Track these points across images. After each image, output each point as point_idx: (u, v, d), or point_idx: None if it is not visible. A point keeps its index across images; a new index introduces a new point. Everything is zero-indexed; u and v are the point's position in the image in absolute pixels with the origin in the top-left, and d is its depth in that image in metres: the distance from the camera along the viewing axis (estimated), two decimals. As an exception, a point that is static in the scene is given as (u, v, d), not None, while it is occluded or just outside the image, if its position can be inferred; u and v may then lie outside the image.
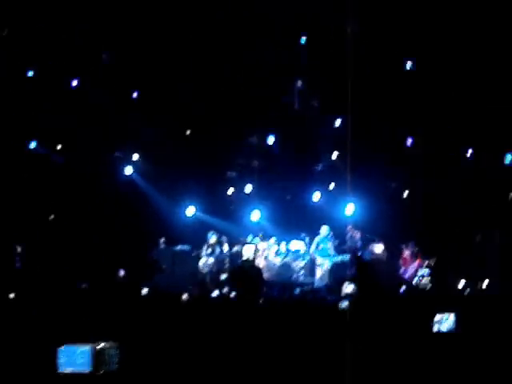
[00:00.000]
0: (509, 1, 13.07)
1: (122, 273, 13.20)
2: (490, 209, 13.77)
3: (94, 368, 5.33)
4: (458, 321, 7.11)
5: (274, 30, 14.01)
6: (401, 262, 14.11)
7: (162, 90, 15.59)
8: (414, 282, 12.98)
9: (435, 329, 7.07)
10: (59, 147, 15.99)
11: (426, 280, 10.26)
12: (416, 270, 13.46)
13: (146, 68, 15.33)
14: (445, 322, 7.03)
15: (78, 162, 15.60)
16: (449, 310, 7.26)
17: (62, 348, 5.36)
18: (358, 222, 15.20)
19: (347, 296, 9.33)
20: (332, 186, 16.54)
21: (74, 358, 5.31)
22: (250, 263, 13.47)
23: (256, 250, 14.01)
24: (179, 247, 15.14)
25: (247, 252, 13.86)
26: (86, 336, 5.82)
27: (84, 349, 5.37)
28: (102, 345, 5.42)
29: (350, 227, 14.80)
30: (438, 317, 7.10)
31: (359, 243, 14.49)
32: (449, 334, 6.92)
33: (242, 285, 11.11)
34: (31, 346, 6.36)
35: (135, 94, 15.81)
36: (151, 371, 6.08)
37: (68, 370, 5.35)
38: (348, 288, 10.13)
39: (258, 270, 13.15)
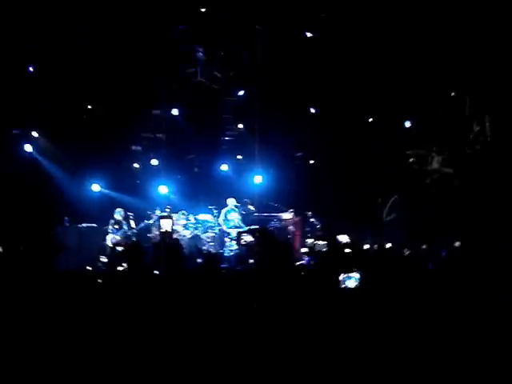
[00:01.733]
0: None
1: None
2: (389, 173, 14.16)
3: None
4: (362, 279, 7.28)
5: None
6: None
7: (61, 62, 15.01)
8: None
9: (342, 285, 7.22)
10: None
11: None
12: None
13: (44, 40, 14.69)
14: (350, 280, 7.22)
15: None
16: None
17: None
18: (266, 192, 15.41)
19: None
20: (239, 157, 16.58)
21: None
22: (170, 235, 13.34)
23: (173, 223, 13.89)
24: (85, 225, 14.81)
25: (165, 225, 13.71)
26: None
27: None
28: None
29: (245, 200, 14.99)
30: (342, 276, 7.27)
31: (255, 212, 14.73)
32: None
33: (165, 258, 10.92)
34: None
35: (31, 68, 15.13)
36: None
37: None
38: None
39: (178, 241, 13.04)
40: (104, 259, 13.19)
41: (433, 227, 12.34)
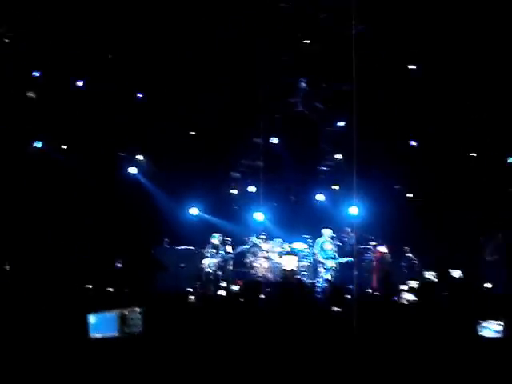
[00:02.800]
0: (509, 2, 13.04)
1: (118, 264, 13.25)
2: (491, 211, 13.78)
3: (120, 332, 5.76)
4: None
5: (278, 31, 14.02)
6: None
7: (167, 90, 15.62)
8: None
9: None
10: (65, 147, 16.01)
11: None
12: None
13: (153, 69, 15.34)
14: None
15: (83, 162, 15.63)
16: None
17: (92, 315, 5.86)
18: (361, 223, 15.29)
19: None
20: (336, 187, 16.59)
21: (103, 323, 5.79)
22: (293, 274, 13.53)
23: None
24: (183, 247, 15.22)
25: (289, 263, 13.96)
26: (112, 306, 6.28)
27: (111, 315, 5.77)
28: (127, 311, 5.89)
29: (346, 229, 14.92)
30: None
31: (354, 243, 14.61)
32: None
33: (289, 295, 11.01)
34: (63, 315, 6.77)
35: (140, 95, 15.82)
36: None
37: (97, 334, 5.81)
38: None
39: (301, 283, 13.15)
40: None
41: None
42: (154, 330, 6.32)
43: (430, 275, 12.80)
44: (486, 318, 6.44)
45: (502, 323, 6.35)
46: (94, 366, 5.67)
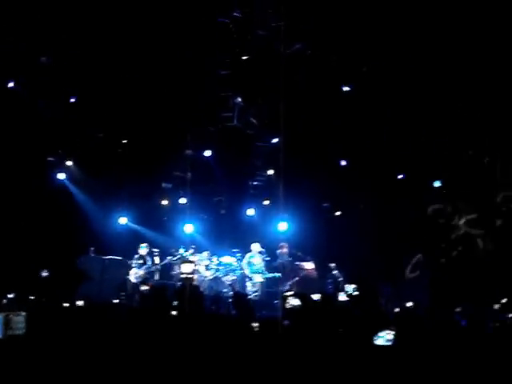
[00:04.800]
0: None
1: (44, 273, 12.90)
2: (415, 231, 14.18)
3: (2, 334, 5.91)
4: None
5: (217, 44, 14.09)
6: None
7: (99, 96, 15.40)
8: None
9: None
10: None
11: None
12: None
13: (85, 73, 15.10)
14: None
15: (8, 165, 15.20)
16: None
17: None
18: (291, 239, 15.45)
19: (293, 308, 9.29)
20: (266, 202, 16.71)
21: None
22: (190, 281, 13.38)
23: (194, 268, 13.96)
24: (109, 257, 14.99)
25: (186, 269, 13.78)
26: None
27: None
28: (11, 314, 6.06)
29: (281, 244, 15.02)
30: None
31: (287, 260, 14.75)
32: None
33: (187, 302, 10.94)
34: None
35: (73, 100, 15.53)
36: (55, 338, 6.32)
37: None
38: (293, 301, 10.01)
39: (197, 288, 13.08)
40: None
41: (453, 291, 12.28)
42: (37, 333, 6.38)
43: (349, 288, 13.07)
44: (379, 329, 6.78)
45: (393, 333, 6.72)
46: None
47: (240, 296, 10.15)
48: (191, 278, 13.51)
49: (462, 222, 13.94)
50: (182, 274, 13.58)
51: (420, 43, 13.04)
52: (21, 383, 5.61)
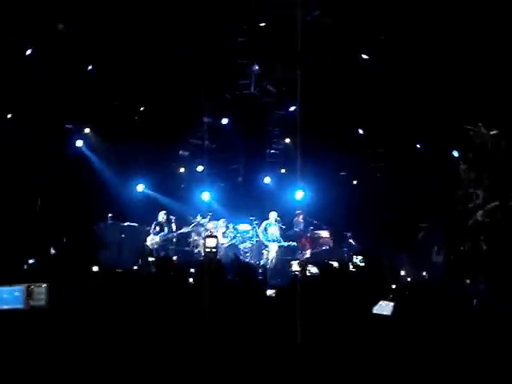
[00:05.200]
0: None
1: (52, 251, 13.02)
2: (434, 203, 14.08)
3: (25, 304, 5.98)
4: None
5: (233, 13, 13.96)
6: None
7: (117, 64, 15.39)
8: None
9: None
10: (9, 116, 15.64)
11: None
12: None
13: (103, 42, 15.08)
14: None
15: (27, 131, 15.32)
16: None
17: None
18: (307, 207, 15.48)
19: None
20: (283, 170, 16.71)
21: (8, 296, 6.02)
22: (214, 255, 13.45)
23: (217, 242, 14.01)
24: (127, 224, 15.14)
25: (210, 243, 13.84)
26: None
27: (16, 288, 6.10)
28: (32, 285, 6.17)
29: (297, 212, 15.06)
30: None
31: (302, 227, 14.80)
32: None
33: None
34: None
35: (90, 67, 15.54)
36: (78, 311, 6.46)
37: (2, 306, 6.05)
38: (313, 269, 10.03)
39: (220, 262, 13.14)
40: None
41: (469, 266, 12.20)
42: (60, 305, 6.47)
43: (357, 259, 13.09)
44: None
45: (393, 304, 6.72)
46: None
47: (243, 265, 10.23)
48: (215, 253, 13.53)
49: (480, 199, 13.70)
50: (206, 247, 13.61)
51: (441, 10, 12.83)
52: (43, 354, 5.75)
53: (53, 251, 11.81)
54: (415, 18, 13.12)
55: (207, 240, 13.18)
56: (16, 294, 6.07)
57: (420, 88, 14.35)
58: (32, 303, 6.11)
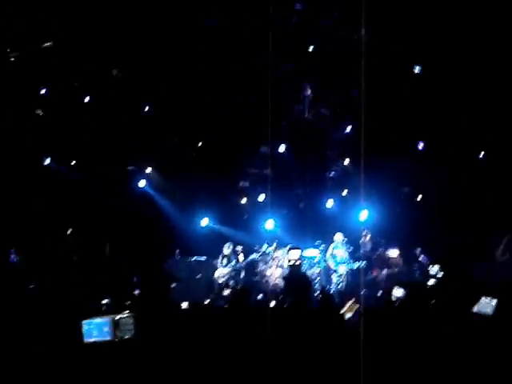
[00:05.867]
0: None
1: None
2: (501, 212, 13.70)
3: (113, 336, 6.07)
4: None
5: (283, 39, 14.10)
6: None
7: (173, 102, 15.73)
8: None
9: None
10: (73, 163, 16.14)
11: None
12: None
13: (158, 81, 15.47)
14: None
15: (92, 177, 15.75)
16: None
17: (86, 321, 6.15)
18: (373, 227, 15.26)
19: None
20: (345, 192, 16.57)
21: (97, 328, 6.08)
22: (298, 267, 13.37)
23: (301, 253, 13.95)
24: (195, 258, 15.25)
25: (293, 256, 13.80)
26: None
27: (104, 320, 6.28)
28: (119, 316, 6.25)
29: (364, 232, 14.85)
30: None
31: (369, 247, 14.57)
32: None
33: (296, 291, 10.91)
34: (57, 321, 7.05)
35: (147, 108, 15.94)
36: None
37: (91, 339, 6.11)
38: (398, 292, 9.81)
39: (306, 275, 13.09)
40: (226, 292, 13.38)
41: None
42: (146, 335, 6.52)
43: (433, 270, 12.77)
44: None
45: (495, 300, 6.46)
46: (90, 370, 5.89)
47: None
48: (299, 265, 13.44)
49: None
50: (289, 260, 13.54)
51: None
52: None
53: (136, 291, 11.90)
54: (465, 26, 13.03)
55: (290, 252, 13.05)
56: (102, 326, 6.14)
57: (478, 96, 14.13)
58: (120, 334, 6.17)
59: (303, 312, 7.38)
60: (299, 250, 13.71)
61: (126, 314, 6.30)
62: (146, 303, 9.91)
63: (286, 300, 9.00)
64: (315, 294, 11.89)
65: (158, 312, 7.60)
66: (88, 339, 6.22)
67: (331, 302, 8.30)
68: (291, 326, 6.89)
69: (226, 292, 12.85)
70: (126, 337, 6.25)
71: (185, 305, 9.74)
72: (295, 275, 12.54)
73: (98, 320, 6.23)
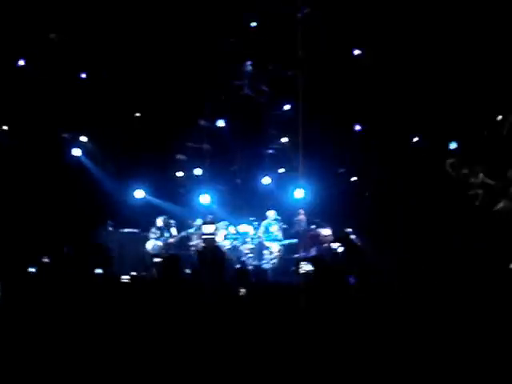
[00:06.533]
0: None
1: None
2: (435, 196, 14.00)
3: None
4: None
5: (225, 14, 13.96)
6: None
7: (111, 71, 15.40)
8: None
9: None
10: (5, 128, 15.66)
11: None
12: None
13: (96, 48, 15.10)
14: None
15: (25, 142, 15.33)
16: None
17: None
18: (307, 206, 15.40)
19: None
20: (281, 170, 16.65)
21: None
22: (212, 241, 13.36)
23: (216, 229, 13.93)
24: (127, 230, 15.10)
25: (207, 229, 13.74)
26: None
27: None
28: None
29: (299, 211, 14.98)
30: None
31: (304, 227, 14.72)
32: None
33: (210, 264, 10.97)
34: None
35: (84, 75, 15.57)
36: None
37: None
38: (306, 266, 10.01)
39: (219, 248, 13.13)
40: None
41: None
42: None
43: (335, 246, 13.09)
44: None
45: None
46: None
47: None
48: (213, 239, 13.44)
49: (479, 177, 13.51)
50: (204, 235, 13.52)
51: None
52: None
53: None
54: (412, 10, 13.15)
55: (204, 227, 13.14)
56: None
57: (417, 81, 14.33)
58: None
59: (216, 284, 7.45)
60: (213, 225, 13.74)
61: None
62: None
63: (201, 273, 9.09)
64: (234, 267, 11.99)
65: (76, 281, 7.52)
66: None
67: (247, 276, 8.42)
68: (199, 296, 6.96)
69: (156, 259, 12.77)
70: None
71: (99, 270, 9.68)
72: (209, 249, 12.64)
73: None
